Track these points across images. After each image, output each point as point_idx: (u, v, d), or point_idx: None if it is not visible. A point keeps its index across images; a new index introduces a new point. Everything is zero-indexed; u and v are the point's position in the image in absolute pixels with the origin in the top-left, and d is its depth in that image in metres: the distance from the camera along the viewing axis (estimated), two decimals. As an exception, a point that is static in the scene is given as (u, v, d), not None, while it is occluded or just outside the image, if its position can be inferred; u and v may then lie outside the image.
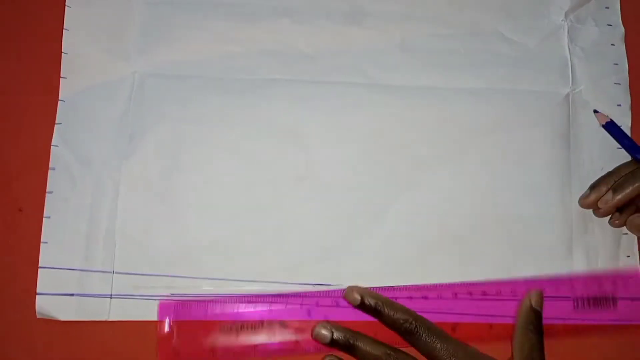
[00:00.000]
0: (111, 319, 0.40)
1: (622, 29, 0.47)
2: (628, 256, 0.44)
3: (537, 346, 0.37)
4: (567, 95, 0.46)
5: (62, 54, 0.43)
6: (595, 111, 0.45)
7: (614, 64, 0.47)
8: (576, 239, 0.43)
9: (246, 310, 0.39)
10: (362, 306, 0.36)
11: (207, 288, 0.40)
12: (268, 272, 0.41)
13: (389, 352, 0.35)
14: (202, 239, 0.41)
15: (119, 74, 0.43)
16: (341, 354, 0.36)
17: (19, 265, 0.40)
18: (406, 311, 0.36)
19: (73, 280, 0.40)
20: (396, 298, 0.39)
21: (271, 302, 0.40)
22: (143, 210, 0.41)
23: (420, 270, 0.42)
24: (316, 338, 0.36)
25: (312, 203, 0.42)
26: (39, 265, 0.40)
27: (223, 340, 0.39)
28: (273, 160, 0.43)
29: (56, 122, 0.42)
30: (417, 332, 0.35)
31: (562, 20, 0.47)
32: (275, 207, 0.42)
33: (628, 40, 0.47)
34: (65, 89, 0.42)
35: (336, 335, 0.36)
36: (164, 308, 0.39)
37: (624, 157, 0.44)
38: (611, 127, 0.44)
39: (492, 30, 0.46)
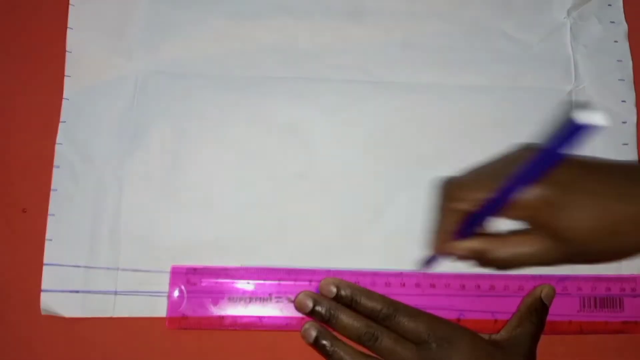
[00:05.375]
0: (116, 315, 0.40)
1: (626, 26, 0.47)
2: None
3: (530, 335, 0.36)
4: (570, 92, 0.45)
5: (66, 53, 0.43)
6: None
7: (618, 60, 0.46)
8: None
9: (256, 283, 0.40)
10: (339, 297, 0.36)
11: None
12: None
13: (369, 324, 0.35)
14: (205, 235, 0.41)
15: (122, 72, 0.43)
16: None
17: (24, 263, 0.40)
18: (382, 298, 0.36)
19: (78, 277, 0.40)
20: (404, 284, 0.40)
21: (281, 278, 0.40)
22: (147, 207, 0.41)
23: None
24: (297, 307, 0.37)
25: (314, 200, 0.42)
26: (44, 262, 0.40)
27: (231, 309, 0.40)
28: (275, 157, 0.43)
29: (60, 120, 0.42)
30: (394, 316, 0.35)
31: (564, 18, 0.47)
32: (277, 204, 0.42)
33: (631, 36, 0.47)
34: (69, 87, 0.43)
35: (317, 306, 0.36)
36: (175, 273, 0.40)
37: (627, 155, 0.44)
38: None
39: (494, 28, 0.46)
